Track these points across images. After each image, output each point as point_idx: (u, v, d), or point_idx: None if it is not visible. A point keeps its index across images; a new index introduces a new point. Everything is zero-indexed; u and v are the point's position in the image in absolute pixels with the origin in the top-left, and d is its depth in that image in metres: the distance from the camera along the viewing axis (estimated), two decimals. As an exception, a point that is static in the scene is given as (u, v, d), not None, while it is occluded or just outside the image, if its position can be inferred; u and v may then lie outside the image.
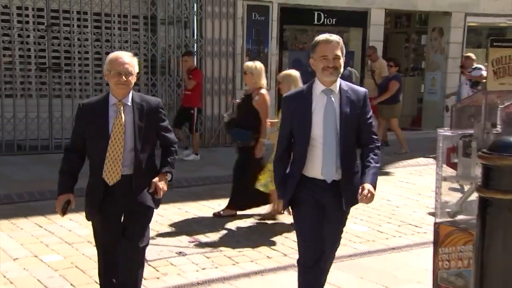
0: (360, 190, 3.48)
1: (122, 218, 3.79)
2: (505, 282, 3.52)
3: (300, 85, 6.19)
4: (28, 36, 10.57)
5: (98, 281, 3.99)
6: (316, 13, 12.85)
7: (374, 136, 3.79)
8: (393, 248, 6.17)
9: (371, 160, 3.65)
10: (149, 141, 3.74)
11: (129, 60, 3.61)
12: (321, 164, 3.59)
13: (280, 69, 12.14)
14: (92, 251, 4.74)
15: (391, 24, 14.68)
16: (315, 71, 3.69)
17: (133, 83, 3.64)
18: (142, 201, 3.65)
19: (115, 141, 3.51)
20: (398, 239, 6.45)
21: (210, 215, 7.11)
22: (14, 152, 10.14)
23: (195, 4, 11.63)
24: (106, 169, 3.53)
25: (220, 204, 7.32)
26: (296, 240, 3.90)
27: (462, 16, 14.68)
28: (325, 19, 12.98)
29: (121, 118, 3.56)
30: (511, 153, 3.43)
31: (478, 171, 4.10)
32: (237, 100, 7.71)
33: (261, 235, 6.47)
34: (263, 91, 6.76)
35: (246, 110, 6.74)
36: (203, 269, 5.34)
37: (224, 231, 6.58)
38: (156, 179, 3.69)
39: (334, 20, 13.12)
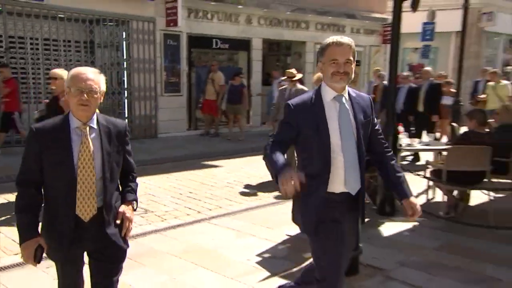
0: (408, 206, 2.70)
1: (87, 255, 2.59)
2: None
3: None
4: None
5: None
6: (214, 40, 12.93)
7: (386, 143, 2.85)
8: (273, 203, 6.40)
9: (398, 170, 2.80)
10: (118, 168, 2.56)
11: (93, 76, 2.43)
12: (343, 176, 2.55)
13: (189, 80, 12.25)
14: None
15: (267, 49, 15.03)
16: (323, 76, 2.66)
17: (98, 104, 2.45)
18: (115, 239, 2.51)
19: (85, 171, 2.37)
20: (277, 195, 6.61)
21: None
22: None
23: (123, 32, 11.43)
24: (79, 203, 2.38)
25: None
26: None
27: (313, 44, 15.19)
28: (221, 44, 13.10)
29: (88, 143, 2.39)
30: None
31: None
32: (47, 100, 7.13)
33: (184, 199, 6.57)
34: None
35: (54, 108, 6.08)
36: (140, 225, 5.43)
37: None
38: (123, 208, 2.58)
39: (227, 45, 13.27)
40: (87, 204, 2.40)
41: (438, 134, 10.38)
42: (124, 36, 11.46)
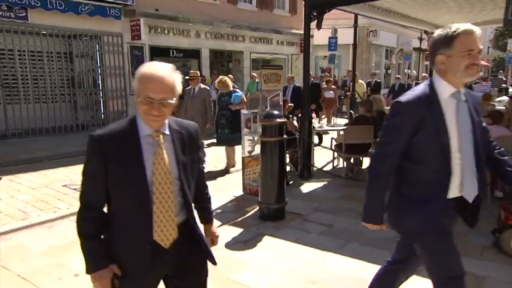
0: None
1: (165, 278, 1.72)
2: (273, 175, 4.24)
3: None
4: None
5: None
6: (171, 50, 12.67)
7: (492, 141, 1.99)
8: (222, 175, 6.39)
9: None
10: (194, 178, 1.70)
11: (167, 84, 1.50)
12: (459, 181, 1.78)
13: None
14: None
15: (213, 57, 14.97)
16: (445, 71, 1.75)
17: (170, 112, 1.56)
18: (199, 257, 1.71)
19: (162, 188, 1.54)
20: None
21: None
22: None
23: (97, 45, 10.98)
24: (157, 228, 1.55)
25: None
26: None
27: (249, 53, 15.33)
28: (176, 54, 12.88)
29: (163, 154, 1.55)
30: (270, 119, 4.16)
31: (259, 129, 4.71)
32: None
33: None
34: None
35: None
36: None
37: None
38: (212, 229, 1.91)
39: (181, 54, 13.04)
40: (166, 228, 1.55)
41: (325, 120, 10.88)
42: (97, 48, 10.98)
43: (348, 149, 5.91)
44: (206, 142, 8.39)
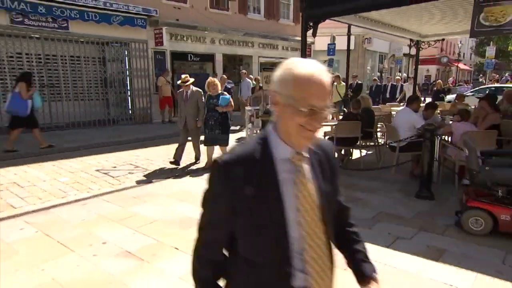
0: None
1: None
2: None
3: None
4: (30, 69, 9.44)
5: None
6: (189, 55, 12.79)
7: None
8: None
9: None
10: (334, 212, 1.08)
11: (329, 84, 0.89)
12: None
13: (173, 84, 12.19)
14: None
15: (226, 61, 15.00)
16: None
17: None
18: None
19: (311, 229, 0.93)
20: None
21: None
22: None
23: (125, 51, 11.18)
24: (311, 279, 0.94)
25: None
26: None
27: (257, 57, 15.35)
28: (194, 58, 13.00)
29: (307, 184, 0.94)
30: (269, 114, 4.18)
31: (260, 123, 4.78)
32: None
33: (166, 163, 6.55)
34: None
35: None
36: (144, 176, 5.48)
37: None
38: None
39: (198, 58, 13.15)
40: (321, 278, 0.99)
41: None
42: (126, 53, 11.17)
43: (339, 141, 5.94)
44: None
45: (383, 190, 4.81)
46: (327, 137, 6.70)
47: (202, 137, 6.05)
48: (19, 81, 6.75)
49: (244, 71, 12.26)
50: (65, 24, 9.60)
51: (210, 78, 5.96)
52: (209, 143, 5.93)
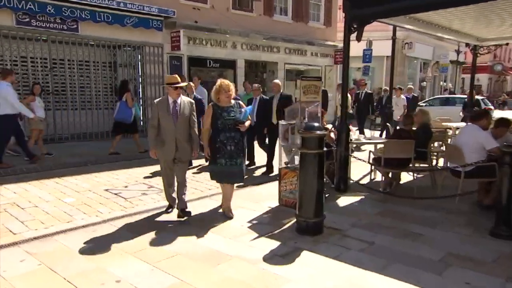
0: None
1: None
2: (312, 188, 4.06)
3: None
4: (35, 74, 9.66)
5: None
6: (208, 60, 12.88)
7: None
8: (256, 184, 6.24)
9: None
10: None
11: None
12: None
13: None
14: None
15: (248, 67, 15.00)
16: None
17: None
18: None
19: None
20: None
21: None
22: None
23: (139, 55, 11.31)
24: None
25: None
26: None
27: (283, 64, 15.34)
28: (213, 64, 13.07)
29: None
30: (310, 131, 3.99)
31: (298, 141, 4.55)
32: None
33: (189, 181, 6.55)
34: None
35: None
36: (158, 201, 5.18)
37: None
38: None
39: (218, 64, 13.21)
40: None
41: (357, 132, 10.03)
42: (139, 58, 11.32)
43: (387, 163, 5.65)
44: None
45: (446, 224, 4.48)
46: (372, 157, 6.41)
47: (210, 168, 4.67)
48: (124, 91, 8.26)
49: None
50: (75, 26, 9.78)
51: (222, 81, 4.45)
52: (226, 179, 4.51)
